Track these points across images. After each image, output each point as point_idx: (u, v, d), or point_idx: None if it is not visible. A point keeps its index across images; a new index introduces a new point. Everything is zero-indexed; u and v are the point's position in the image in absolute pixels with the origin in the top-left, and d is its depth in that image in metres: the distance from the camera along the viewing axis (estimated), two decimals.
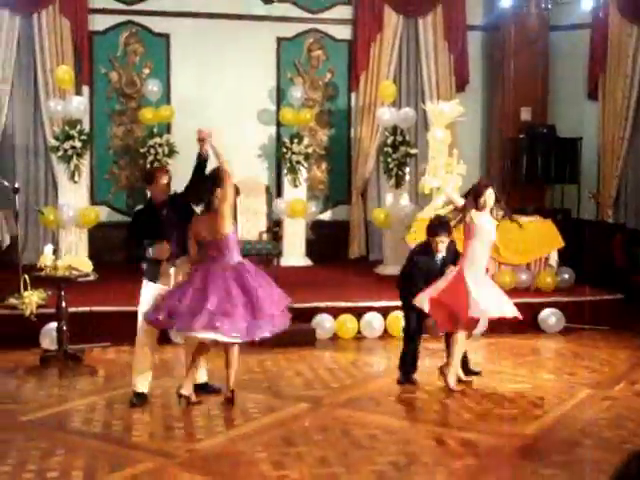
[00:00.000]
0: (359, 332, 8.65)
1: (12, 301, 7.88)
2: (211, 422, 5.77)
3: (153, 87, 11.38)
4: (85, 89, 11.54)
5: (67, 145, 10.22)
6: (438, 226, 6.77)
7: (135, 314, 6.20)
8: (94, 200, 11.54)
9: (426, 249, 6.85)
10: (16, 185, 9.12)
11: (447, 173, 10.33)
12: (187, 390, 6.06)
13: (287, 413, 6.03)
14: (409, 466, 4.90)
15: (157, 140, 11.23)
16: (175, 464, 4.94)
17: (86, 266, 8.37)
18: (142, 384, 6.14)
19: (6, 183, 9.46)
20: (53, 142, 10.57)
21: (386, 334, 8.62)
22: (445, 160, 10.41)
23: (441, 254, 6.78)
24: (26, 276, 7.84)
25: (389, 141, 11.33)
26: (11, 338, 7.94)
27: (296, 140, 11.69)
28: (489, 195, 6.64)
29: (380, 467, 4.86)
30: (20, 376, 7.01)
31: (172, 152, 11.24)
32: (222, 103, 11.87)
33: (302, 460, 5.01)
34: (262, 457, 5.07)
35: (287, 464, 4.94)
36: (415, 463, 4.95)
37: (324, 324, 8.59)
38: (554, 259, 9.95)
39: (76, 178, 10.28)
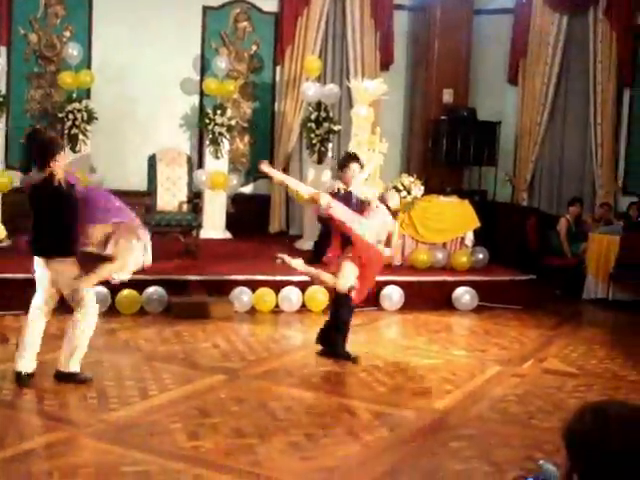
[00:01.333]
0: (277, 306, 8.68)
1: None
2: (125, 392, 5.71)
3: (73, 51, 11.08)
4: (2, 49, 11.17)
5: None
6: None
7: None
8: (8, 164, 11.20)
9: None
10: None
11: (369, 150, 10.42)
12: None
13: (203, 384, 6.02)
14: (323, 438, 4.96)
15: (76, 105, 10.95)
16: (87, 434, 4.88)
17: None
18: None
19: None
20: None
21: (304, 308, 8.68)
22: (368, 137, 10.49)
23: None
24: None
25: (313, 116, 11.33)
26: None
27: (219, 111, 11.58)
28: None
29: (294, 438, 4.91)
30: None
31: (91, 118, 10.99)
32: (145, 70, 11.68)
33: (217, 431, 5.02)
34: (177, 427, 5.05)
35: (202, 434, 4.94)
36: (329, 435, 5.01)
37: (242, 297, 8.58)
38: (470, 239, 10.17)
39: None
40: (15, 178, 10.47)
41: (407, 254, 9.89)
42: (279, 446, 4.79)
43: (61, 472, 4.26)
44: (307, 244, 10.67)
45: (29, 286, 7.46)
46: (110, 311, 7.94)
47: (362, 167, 7.41)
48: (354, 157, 7.22)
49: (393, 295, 9.06)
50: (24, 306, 7.64)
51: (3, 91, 10.62)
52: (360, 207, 6.89)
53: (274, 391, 5.92)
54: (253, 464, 4.52)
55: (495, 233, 11.33)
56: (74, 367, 5.85)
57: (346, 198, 6.90)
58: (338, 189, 7.14)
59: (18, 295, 7.92)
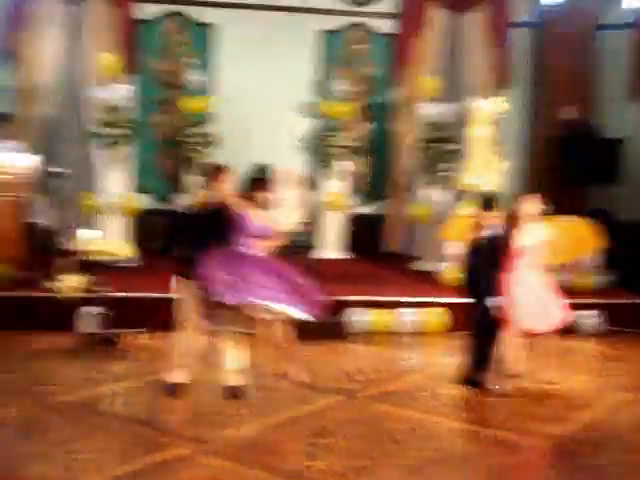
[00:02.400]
0: (393, 327, 8.62)
1: (49, 284, 8.00)
2: (242, 411, 5.79)
3: (195, 77, 11.44)
4: (130, 77, 11.64)
5: (111, 132, 10.32)
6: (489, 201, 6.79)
7: (170, 302, 6.25)
8: (136, 187, 11.63)
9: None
10: (60, 170, 9.27)
11: (487, 170, 10.28)
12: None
13: (320, 405, 6.03)
14: (441, 462, 4.88)
15: (196, 130, 11.28)
16: (206, 451, 4.98)
17: (123, 251, 8.50)
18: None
19: (51, 169, 9.62)
20: (97, 129, 10.68)
21: (419, 329, 8.59)
22: (485, 157, 10.34)
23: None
24: (63, 260, 7.96)
25: (429, 136, 11.27)
26: (48, 320, 8.06)
27: (336, 133, 11.68)
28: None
29: (411, 462, 4.85)
30: (55, 358, 7.10)
31: (211, 142, 11.29)
32: (263, 94, 11.92)
33: (332, 451, 5.01)
34: (293, 447, 5.09)
35: (317, 455, 4.95)
36: (447, 459, 4.93)
37: (359, 318, 8.58)
38: (593, 260, 9.83)
39: (118, 165, 10.37)
40: (144, 201, 10.92)
41: None
42: (395, 469, 4.74)
43: None
44: (427, 265, 10.60)
45: (152, 304, 7.67)
46: None
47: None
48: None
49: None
50: (158, 324, 7.86)
51: (131, 117, 11.04)
52: None
53: (391, 413, 5.87)
54: None
55: (621, 254, 10.87)
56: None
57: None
58: None
59: (141, 313, 8.21)
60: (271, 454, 4.99)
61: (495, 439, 5.34)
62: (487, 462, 4.92)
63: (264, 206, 6.06)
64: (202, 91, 11.60)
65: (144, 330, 8.04)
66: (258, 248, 6.02)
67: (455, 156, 11.74)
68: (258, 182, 6.17)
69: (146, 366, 6.94)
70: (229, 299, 5.80)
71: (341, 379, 6.76)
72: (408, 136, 12.21)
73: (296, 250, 9.81)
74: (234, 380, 6.06)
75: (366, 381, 6.73)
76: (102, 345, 7.51)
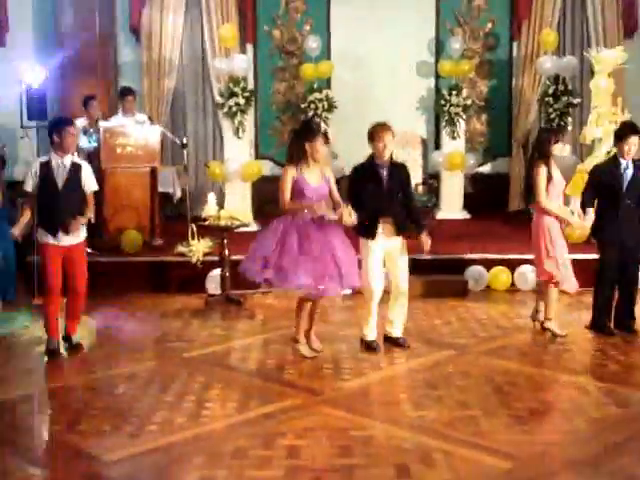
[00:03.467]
0: (512, 284, 8.64)
1: (181, 249, 8.48)
2: (358, 364, 6.04)
3: (313, 43, 11.64)
4: (249, 47, 12.01)
5: (232, 102, 10.69)
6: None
7: None
8: (258, 154, 12.03)
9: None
10: (184, 141, 9.73)
11: (610, 123, 10.00)
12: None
13: (432, 359, 6.20)
14: (547, 413, 4.97)
15: (317, 95, 11.51)
16: (321, 400, 5.26)
17: (247, 217, 8.88)
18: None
19: (177, 139, 10.11)
20: (219, 99, 11.09)
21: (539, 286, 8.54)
22: (608, 109, 10.07)
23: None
24: (193, 226, 8.42)
25: (550, 91, 11.07)
26: (180, 283, 8.59)
27: (455, 92, 11.62)
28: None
29: (517, 412, 4.96)
30: (186, 318, 7.57)
31: (331, 107, 11.50)
32: (380, 57, 12.00)
33: (442, 402, 5.19)
34: (404, 398, 5.30)
35: (427, 405, 5.14)
36: (553, 410, 5.02)
37: (477, 276, 8.65)
38: None
39: (240, 134, 10.74)
40: (264, 167, 11.28)
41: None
42: (502, 419, 4.87)
43: (294, 434, 4.65)
44: None
45: None
46: None
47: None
48: (633, 128, 6.82)
49: None
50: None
51: (251, 86, 11.40)
52: None
53: (501, 367, 5.96)
54: (475, 435, 4.64)
55: None
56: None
57: None
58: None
59: None
60: (382, 404, 5.22)
61: (605, 391, 5.35)
62: (595, 413, 4.95)
63: (315, 159, 5.96)
64: (321, 57, 11.79)
65: (270, 290, 8.41)
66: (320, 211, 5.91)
67: (578, 110, 11.50)
68: (306, 134, 6.00)
69: (269, 324, 7.31)
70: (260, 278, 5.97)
71: (457, 335, 6.88)
72: (529, 91, 11.99)
73: (421, 210, 9.98)
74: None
75: (480, 337, 6.83)
76: (230, 305, 7.94)
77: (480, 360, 6.16)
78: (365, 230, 6.22)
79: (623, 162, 6.74)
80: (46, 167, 6.17)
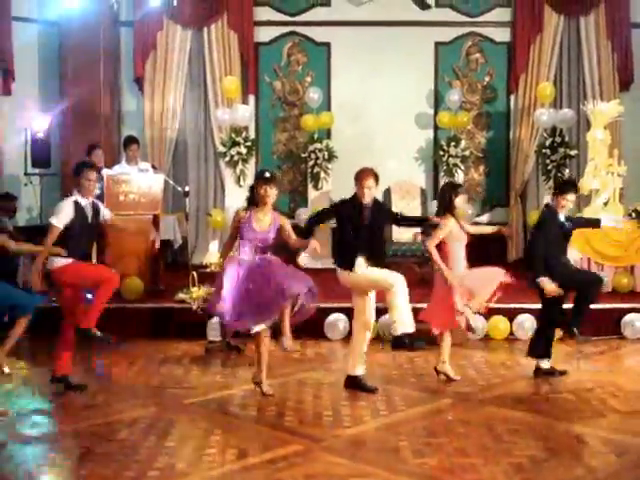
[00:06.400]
0: (511, 333, 8.68)
1: (181, 296, 8.52)
2: (358, 411, 6.06)
3: (314, 94, 11.85)
4: (251, 98, 12.21)
5: (234, 151, 10.88)
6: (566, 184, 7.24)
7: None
8: None
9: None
10: (186, 189, 9.84)
11: (607, 174, 10.17)
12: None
13: (432, 407, 6.22)
14: (547, 461, 4.97)
15: (317, 145, 11.69)
16: (321, 448, 5.26)
17: None
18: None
19: (178, 188, 10.23)
20: (221, 148, 11.27)
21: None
22: (605, 161, 10.23)
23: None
24: (194, 273, 8.48)
25: (548, 142, 11.25)
26: (181, 330, 8.61)
27: (453, 143, 11.83)
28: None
29: (518, 460, 4.96)
30: (186, 364, 7.59)
31: (331, 157, 11.67)
32: (380, 108, 12.21)
33: (442, 450, 5.20)
34: (404, 445, 5.29)
35: (427, 453, 5.15)
36: (553, 458, 5.01)
37: (476, 325, 8.66)
38: None
39: (241, 182, 10.91)
40: None
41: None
42: (502, 467, 4.87)
43: None
44: None
45: None
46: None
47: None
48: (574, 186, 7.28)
49: (636, 322, 8.74)
50: (272, 332, 8.25)
51: (252, 136, 11.58)
52: None
53: (501, 414, 5.98)
54: None
55: None
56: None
57: None
58: None
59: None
60: (383, 451, 5.22)
61: (604, 440, 5.37)
62: (595, 462, 4.96)
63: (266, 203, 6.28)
64: (322, 108, 11.99)
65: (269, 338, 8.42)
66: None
67: (574, 162, 11.66)
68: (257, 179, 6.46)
69: (269, 371, 7.28)
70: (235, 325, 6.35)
71: (456, 383, 6.90)
72: (526, 143, 12.16)
73: (416, 260, 10.07)
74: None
75: (480, 385, 6.86)
76: (231, 352, 7.96)
77: (480, 408, 6.17)
78: (343, 261, 6.49)
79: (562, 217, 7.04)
80: (77, 205, 6.58)
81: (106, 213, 6.94)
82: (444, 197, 6.98)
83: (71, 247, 6.54)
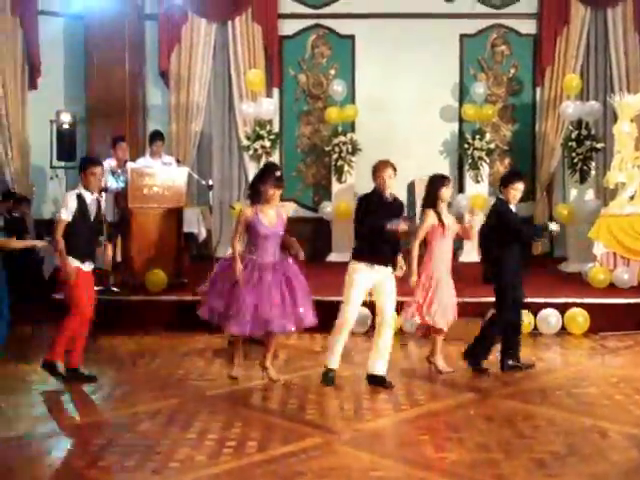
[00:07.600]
0: (535, 328, 8.62)
1: (204, 289, 8.52)
2: (379, 405, 6.05)
3: (338, 87, 11.83)
4: (275, 91, 12.22)
5: (257, 144, 10.88)
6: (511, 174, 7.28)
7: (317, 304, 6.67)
8: (282, 196, 12.08)
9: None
10: (210, 182, 9.85)
11: (634, 167, 10.06)
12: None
13: (453, 401, 6.19)
14: (568, 456, 4.93)
15: (341, 138, 11.66)
16: (342, 441, 5.26)
17: None
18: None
19: (203, 181, 10.25)
20: (245, 142, 11.28)
21: (563, 331, 8.54)
22: (631, 153, 10.12)
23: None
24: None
25: (574, 135, 11.13)
26: (203, 323, 8.60)
27: (478, 136, 11.75)
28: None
29: (539, 455, 4.93)
30: (209, 357, 7.63)
31: (355, 150, 11.64)
32: (404, 101, 12.16)
33: (463, 445, 5.17)
34: (425, 440, 5.28)
35: (448, 447, 5.13)
36: (575, 454, 4.97)
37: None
38: None
39: None
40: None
41: None
42: (523, 462, 4.84)
43: (314, 473, 4.65)
44: (575, 266, 10.57)
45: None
46: None
47: None
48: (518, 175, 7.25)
49: None
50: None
51: (276, 129, 11.57)
52: None
53: (524, 410, 5.94)
54: (496, 478, 4.61)
55: None
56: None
57: None
58: None
59: None
60: (403, 445, 5.21)
61: (627, 435, 5.32)
62: (617, 457, 4.92)
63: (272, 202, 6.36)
64: (346, 100, 11.97)
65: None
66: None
67: (601, 155, 11.54)
68: (266, 178, 6.45)
69: (291, 364, 7.34)
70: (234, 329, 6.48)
71: (479, 378, 6.87)
72: (552, 136, 12.06)
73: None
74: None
75: (502, 380, 6.81)
76: (253, 345, 7.96)
77: (502, 403, 6.14)
78: (363, 254, 6.44)
79: (513, 208, 6.98)
80: (80, 199, 6.57)
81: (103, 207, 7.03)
82: (431, 188, 6.89)
83: (72, 245, 6.47)
